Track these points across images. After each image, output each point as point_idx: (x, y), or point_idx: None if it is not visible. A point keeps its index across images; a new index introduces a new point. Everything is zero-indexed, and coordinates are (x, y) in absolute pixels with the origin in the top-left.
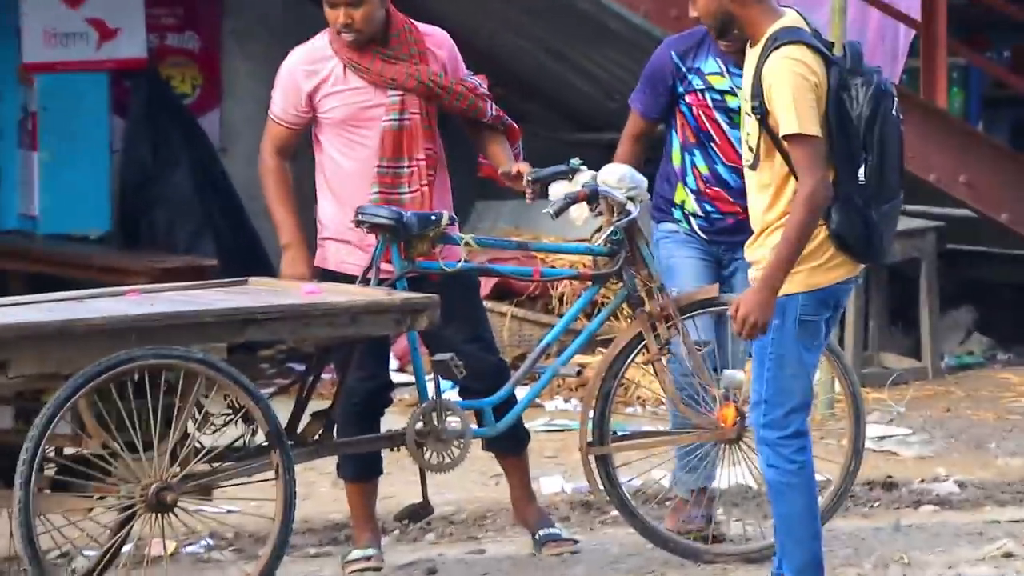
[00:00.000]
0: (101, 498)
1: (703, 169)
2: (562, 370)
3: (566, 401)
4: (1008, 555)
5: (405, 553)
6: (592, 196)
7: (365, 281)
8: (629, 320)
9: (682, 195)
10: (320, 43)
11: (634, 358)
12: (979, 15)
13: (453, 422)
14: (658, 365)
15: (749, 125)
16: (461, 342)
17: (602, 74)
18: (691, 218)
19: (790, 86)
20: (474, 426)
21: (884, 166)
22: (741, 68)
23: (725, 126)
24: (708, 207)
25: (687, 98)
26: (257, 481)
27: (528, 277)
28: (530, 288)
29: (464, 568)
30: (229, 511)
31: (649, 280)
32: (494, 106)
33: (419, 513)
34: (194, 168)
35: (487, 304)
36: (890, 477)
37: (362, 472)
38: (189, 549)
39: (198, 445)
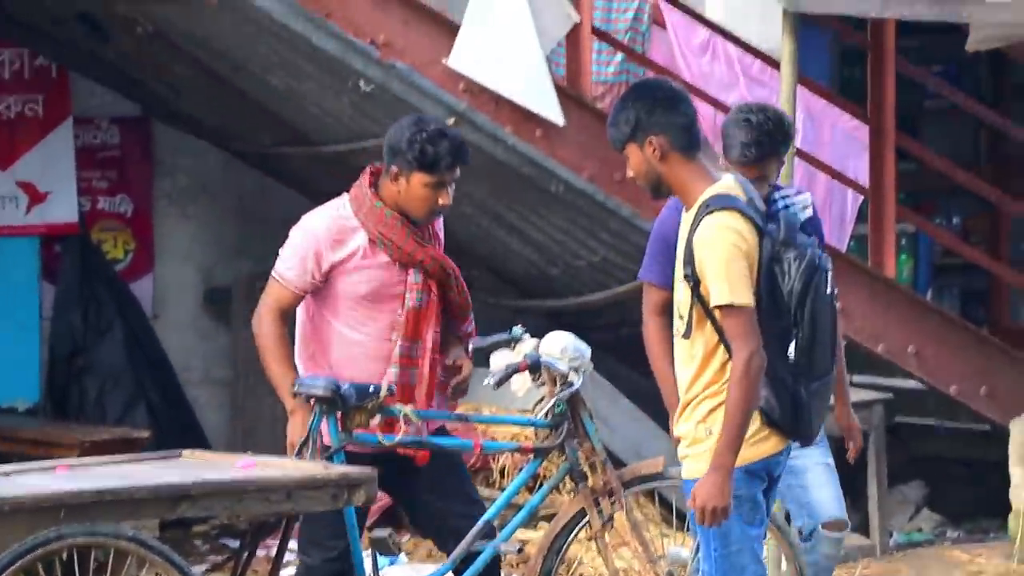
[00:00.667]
0: None
1: None
2: (503, 547)
3: None
4: None
5: None
6: (534, 366)
7: (300, 454)
8: (572, 494)
9: None
10: (345, 212)
11: (577, 534)
12: (929, 181)
13: None
14: (601, 542)
15: (681, 292)
16: (457, 515)
17: (545, 240)
18: None
19: (721, 255)
20: None
21: (815, 343)
22: None
23: None
24: None
25: None
26: None
27: (469, 450)
28: (471, 461)
29: None
30: None
31: (592, 454)
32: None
33: None
34: (126, 336)
35: None
36: None
37: None
38: None
39: None
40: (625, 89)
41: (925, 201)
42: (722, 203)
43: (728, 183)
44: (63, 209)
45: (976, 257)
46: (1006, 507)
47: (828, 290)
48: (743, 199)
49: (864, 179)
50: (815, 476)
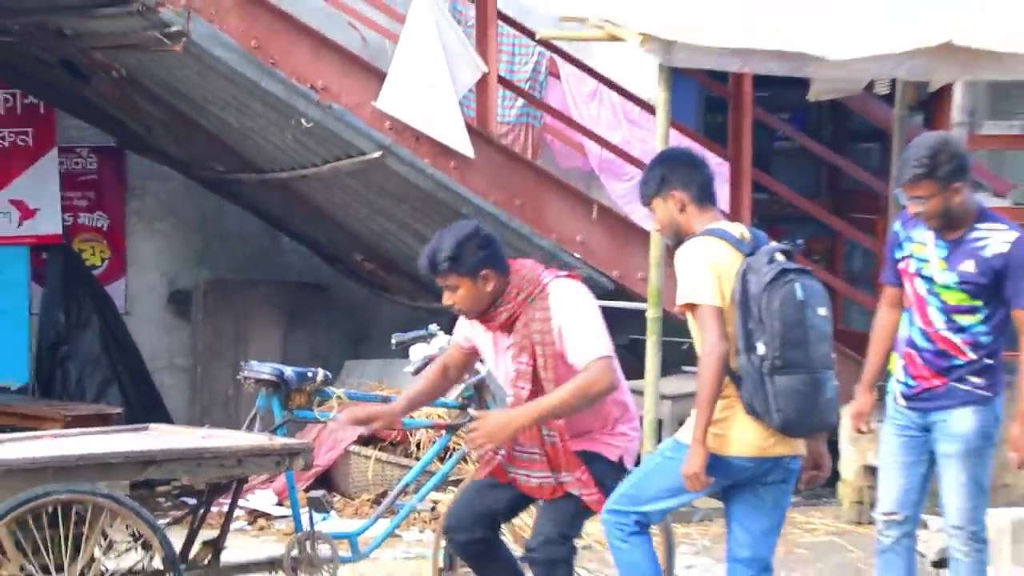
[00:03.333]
0: None
1: (906, 333)
2: (419, 506)
3: (421, 532)
4: None
5: None
6: None
7: (250, 427)
8: (477, 464)
9: (892, 361)
10: None
11: None
12: (779, 209)
13: (324, 549)
14: None
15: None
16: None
17: None
18: (896, 383)
19: (687, 265)
20: (343, 553)
21: (782, 340)
22: (946, 240)
23: (924, 292)
24: (904, 371)
25: (901, 264)
26: None
27: (390, 426)
28: (392, 435)
29: None
30: None
31: None
32: None
33: None
34: (102, 329)
35: (354, 448)
36: None
37: None
38: None
39: (103, 568)
40: (654, 157)
41: (776, 225)
42: (705, 232)
43: (722, 222)
44: (49, 223)
45: (817, 273)
46: (836, 477)
47: (799, 299)
48: (735, 235)
49: (726, 206)
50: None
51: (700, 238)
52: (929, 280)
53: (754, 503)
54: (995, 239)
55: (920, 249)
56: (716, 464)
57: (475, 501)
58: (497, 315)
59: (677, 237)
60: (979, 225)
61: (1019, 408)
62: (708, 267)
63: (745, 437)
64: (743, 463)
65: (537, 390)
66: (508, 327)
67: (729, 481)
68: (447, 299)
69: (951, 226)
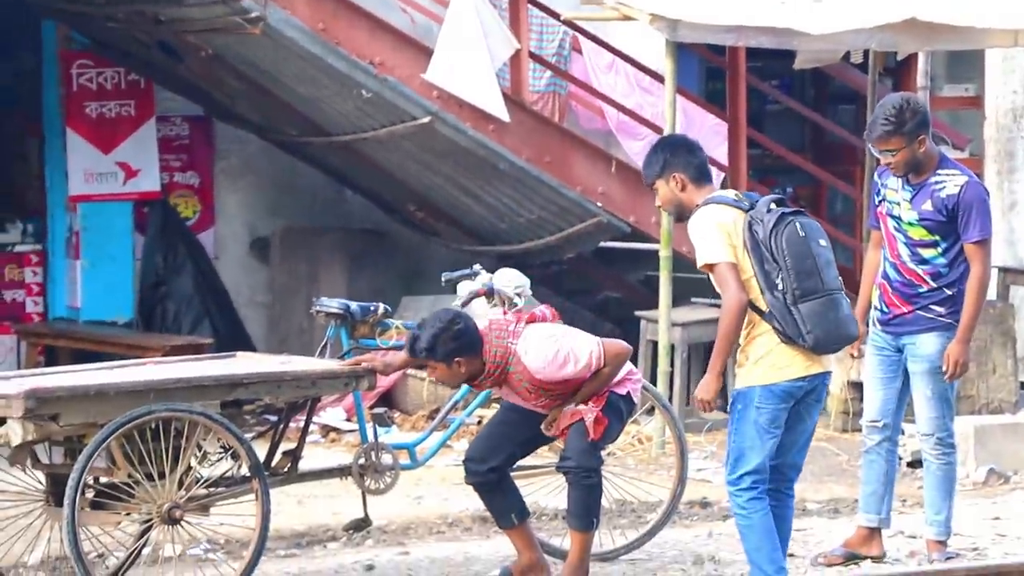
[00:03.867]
0: (127, 514)
1: (882, 267)
2: (467, 420)
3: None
4: (791, 555)
5: (350, 554)
6: (489, 293)
7: (322, 354)
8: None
9: (874, 291)
10: None
11: None
12: (770, 162)
13: (387, 458)
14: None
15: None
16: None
17: (495, 203)
18: (874, 311)
19: (699, 230)
20: (403, 461)
21: (796, 272)
22: (911, 184)
23: (893, 229)
24: (880, 299)
25: (878, 207)
26: (242, 501)
27: None
28: None
29: (394, 566)
30: (221, 523)
31: None
32: None
33: (361, 525)
34: (195, 272)
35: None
36: (705, 498)
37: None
38: (192, 552)
39: (198, 475)
40: (655, 142)
41: (767, 176)
42: (707, 201)
43: (723, 191)
44: (149, 181)
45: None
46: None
47: (802, 235)
48: (732, 197)
49: (725, 160)
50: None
51: (704, 207)
52: (897, 219)
53: (796, 421)
54: (950, 182)
55: (891, 193)
56: (775, 394)
57: (494, 436)
58: (481, 385)
59: (679, 212)
60: (939, 171)
61: (960, 330)
62: (716, 227)
63: (791, 363)
64: (797, 384)
65: (567, 400)
66: (499, 384)
67: (791, 403)
68: (429, 374)
69: (917, 172)
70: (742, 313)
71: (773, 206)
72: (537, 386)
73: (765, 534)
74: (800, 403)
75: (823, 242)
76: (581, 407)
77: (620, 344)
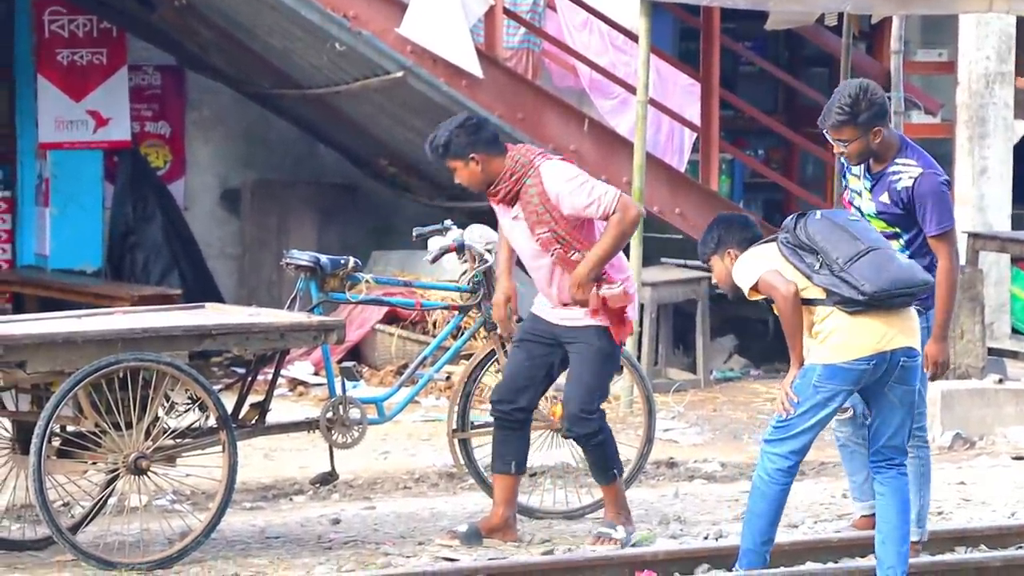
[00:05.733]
0: (93, 463)
1: None
2: (435, 376)
3: (437, 399)
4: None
5: (317, 508)
6: (460, 248)
7: (291, 307)
8: (485, 340)
9: None
10: None
11: (488, 368)
12: (743, 124)
13: (354, 412)
14: None
15: None
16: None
17: None
18: None
19: (738, 272)
20: (371, 416)
21: (832, 246)
22: (871, 174)
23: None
24: None
25: (844, 194)
26: (209, 453)
27: (411, 307)
28: (412, 315)
29: (360, 520)
30: (188, 475)
31: None
32: None
33: (328, 479)
34: (164, 222)
35: (380, 326)
36: (672, 458)
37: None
38: (158, 502)
39: (166, 426)
40: (713, 219)
41: (739, 138)
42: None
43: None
44: (120, 130)
45: (775, 178)
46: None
47: (819, 217)
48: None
49: (698, 121)
50: None
51: (744, 256)
52: (859, 209)
53: (883, 402)
54: (905, 174)
55: (854, 180)
56: (838, 373)
57: (518, 377)
58: (497, 191)
59: (734, 290)
60: (897, 160)
61: (935, 328)
62: (750, 258)
63: (855, 341)
64: (860, 365)
65: (567, 248)
66: (510, 202)
67: (855, 386)
68: (456, 179)
69: (877, 160)
70: (795, 300)
71: (790, 221)
72: (548, 210)
73: (772, 506)
74: (885, 386)
75: (852, 216)
76: (607, 291)
77: (635, 204)
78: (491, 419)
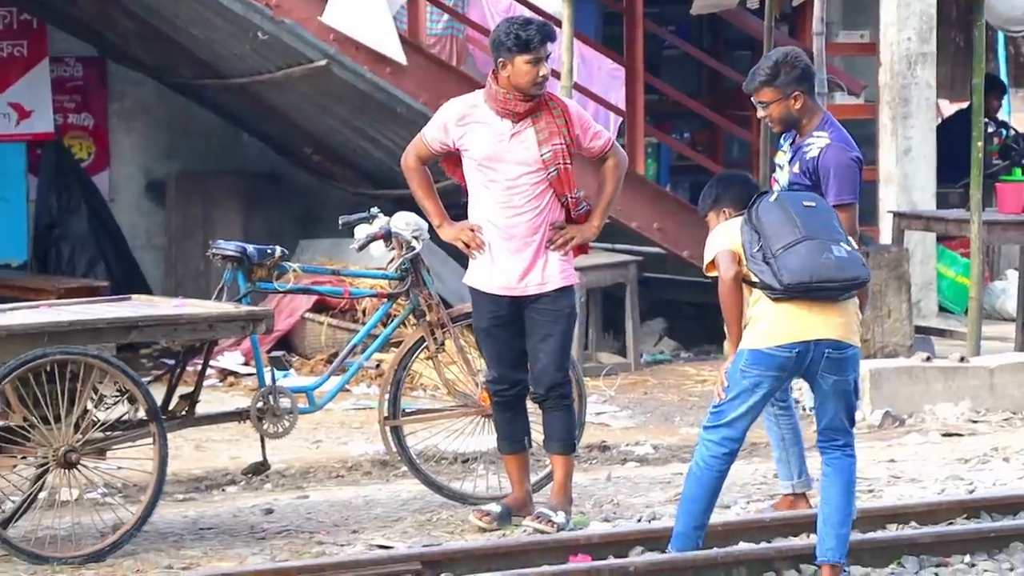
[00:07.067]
0: (23, 457)
1: None
2: (365, 364)
3: (368, 387)
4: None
5: (249, 498)
6: (387, 236)
7: (219, 297)
8: (414, 327)
9: None
10: (475, 100)
11: (418, 355)
12: (667, 107)
13: (285, 402)
14: (435, 361)
15: None
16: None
17: (391, 146)
18: None
19: (711, 242)
20: (301, 405)
21: (773, 232)
22: (792, 145)
23: (777, 187)
24: None
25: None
26: (139, 445)
27: (340, 295)
28: (341, 304)
29: (293, 509)
30: (119, 467)
31: (429, 298)
32: None
33: (260, 468)
34: (89, 214)
35: (309, 315)
36: (604, 442)
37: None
38: (89, 496)
39: (95, 419)
40: (713, 177)
41: (664, 121)
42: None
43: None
44: (43, 122)
45: (701, 160)
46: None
47: (773, 200)
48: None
49: (622, 105)
50: None
51: (720, 226)
52: (779, 182)
53: (817, 390)
54: (815, 145)
55: (780, 155)
56: (762, 359)
57: (504, 357)
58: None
59: None
60: (815, 132)
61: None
62: (717, 234)
63: (777, 328)
64: (783, 352)
65: (568, 167)
66: (526, 114)
67: (781, 373)
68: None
69: (799, 130)
70: (732, 285)
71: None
72: (568, 124)
73: (706, 492)
74: (818, 375)
75: (807, 203)
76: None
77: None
78: (422, 407)
